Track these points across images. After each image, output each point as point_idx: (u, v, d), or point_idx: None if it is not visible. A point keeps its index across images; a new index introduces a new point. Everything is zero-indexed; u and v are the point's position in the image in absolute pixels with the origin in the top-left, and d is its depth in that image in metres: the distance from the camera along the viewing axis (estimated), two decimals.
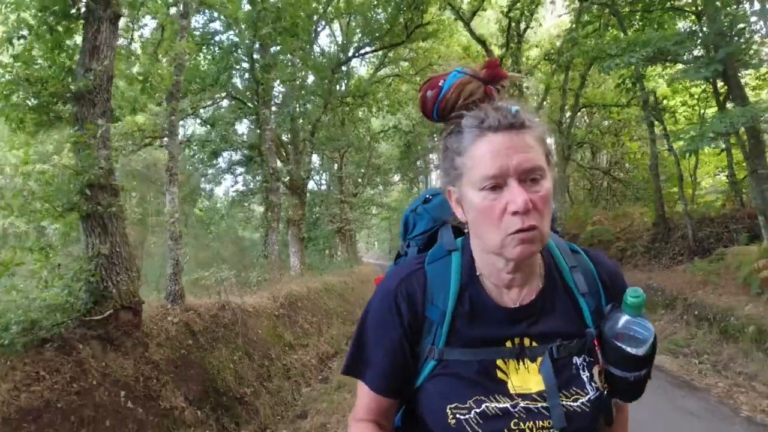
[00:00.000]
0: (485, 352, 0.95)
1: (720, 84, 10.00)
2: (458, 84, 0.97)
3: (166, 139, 6.39)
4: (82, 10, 4.14)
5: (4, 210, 3.40)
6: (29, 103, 3.94)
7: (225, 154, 12.32)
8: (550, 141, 1.06)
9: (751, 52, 8.75)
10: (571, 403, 0.91)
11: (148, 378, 3.95)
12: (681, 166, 13.14)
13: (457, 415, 0.91)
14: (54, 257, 3.79)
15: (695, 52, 9.33)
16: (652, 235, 12.20)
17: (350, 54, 13.61)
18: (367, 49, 14.15)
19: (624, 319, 0.91)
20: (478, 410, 0.91)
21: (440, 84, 0.99)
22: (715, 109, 10.64)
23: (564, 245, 1.07)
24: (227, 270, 7.77)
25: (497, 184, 0.87)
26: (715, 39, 8.65)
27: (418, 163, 28.76)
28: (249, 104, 10.15)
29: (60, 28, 4.17)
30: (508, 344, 0.95)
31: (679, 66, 9.68)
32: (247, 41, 8.34)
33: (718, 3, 9.16)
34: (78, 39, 4.41)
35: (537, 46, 18.18)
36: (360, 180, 23.69)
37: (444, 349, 0.95)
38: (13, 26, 4.16)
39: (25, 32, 4.16)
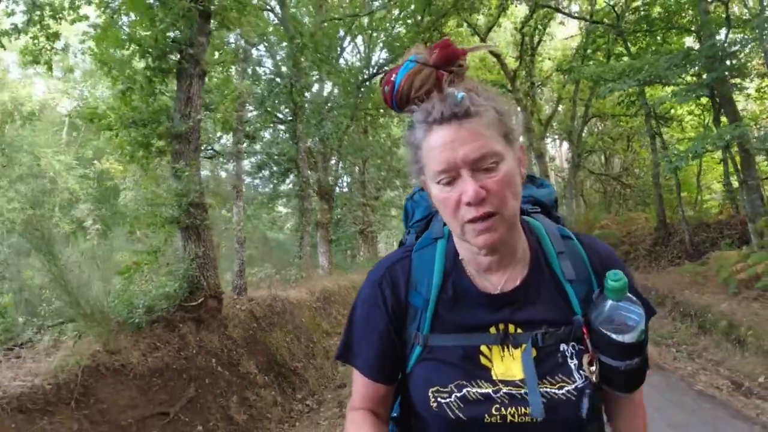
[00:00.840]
0: (469, 338, 0.96)
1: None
2: (409, 75, 0.95)
3: (233, 163, 7.71)
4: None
5: (137, 222, 4.67)
6: (140, 140, 5.20)
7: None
8: (519, 120, 1.04)
9: (745, 71, 9.75)
10: (556, 391, 0.91)
11: (230, 350, 5.20)
12: (686, 172, 14.11)
13: (439, 399, 0.93)
14: (161, 259, 5.05)
15: (687, 77, 10.36)
16: (654, 239, 13.19)
17: (373, 71, 14.80)
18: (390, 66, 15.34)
19: (609, 304, 0.90)
20: (458, 394, 0.92)
21: (392, 78, 0.98)
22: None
23: (554, 230, 1.06)
24: (270, 268, 9.04)
25: (450, 177, 0.88)
26: (707, 62, 9.66)
27: None
28: (285, 120, 11.42)
29: (156, 81, 5.43)
30: (492, 330, 0.96)
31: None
32: (285, 69, 9.55)
33: (713, 25, 10.20)
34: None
35: (549, 59, 19.14)
36: (381, 182, 24.87)
37: (429, 335, 0.97)
38: (123, 79, 5.43)
39: (126, 85, 5.43)
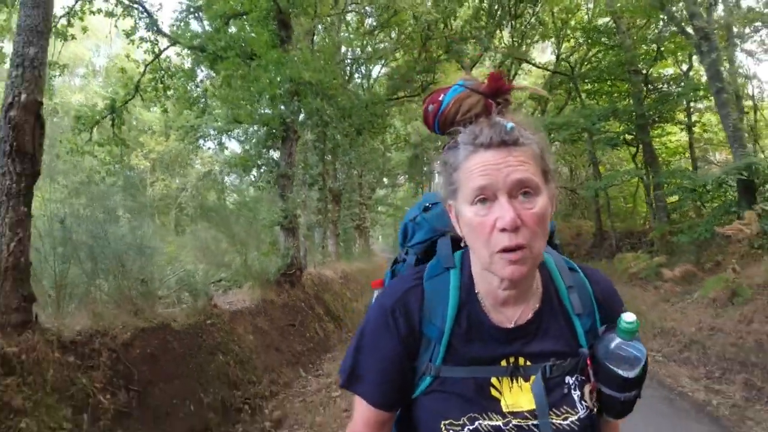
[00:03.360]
0: (480, 371, 0.98)
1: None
2: (457, 98, 0.99)
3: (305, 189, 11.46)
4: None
5: (272, 222, 8.47)
6: (270, 178, 8.98)
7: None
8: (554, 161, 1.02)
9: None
10: (561, 422, 0.95)
11: (308, 299, 9.06)
12: (626, 190, 18.33)
13: (451, 431, 0.95)
14: (275, 247, 8.87)
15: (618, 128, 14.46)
16: (592, 243, 17.31)
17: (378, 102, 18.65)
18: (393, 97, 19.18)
19: (616, 341, 0.95)
20: (471, 427, 0.95)
21: (440, 98, 1.02)
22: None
23: (562, 263, 1.10)
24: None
25: (487, 198, 0.89)
26: (630, 116, 13.74)
27: (424, 169, 33.87)
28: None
29: (269, 144, 9.20)
30: (503, 363, 0.99)
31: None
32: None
33: (643, 85, 14.29)
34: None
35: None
36: (374, 183, 28.66)
37: (441, 366, 0.99)
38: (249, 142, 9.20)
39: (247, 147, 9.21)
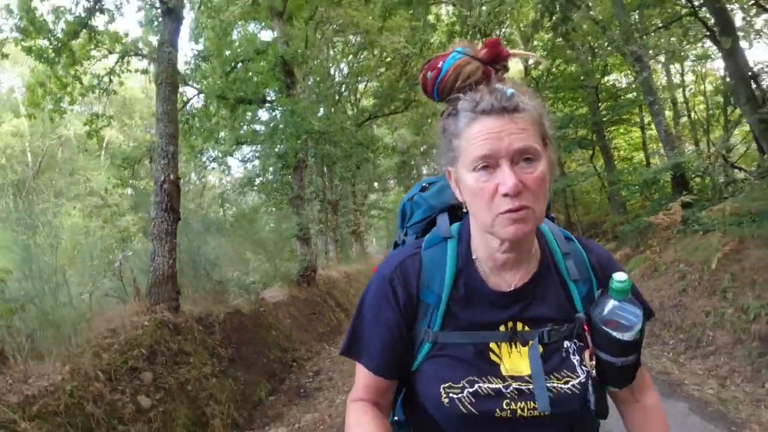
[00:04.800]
0: (479, 336, 1.01)
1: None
2: (456, 65, 0.99)
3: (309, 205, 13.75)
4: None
5: (290, 234, 10.75)
6: (285, 199, 11.29)
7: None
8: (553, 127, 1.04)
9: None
10: (562, 386, 0.98)
11: (322, 296, 11.36)
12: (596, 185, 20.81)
13: (450, 395, 0.98)
14: (294, 254, 11.18)
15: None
16: None
17: (365, 118, 20.94)
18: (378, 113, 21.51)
19: (611, 304, 0.96)
20: (470, 390, 0.98)
21: (439, 65, 1.01)
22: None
23: (558, 232, 1.13)
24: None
25: (489, 165, 0.91)
26: (587, 122, 16.13)
27: (413, 173, 36.24)
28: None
29: (284, 172, 11.50)
30: (502, 328, 1.02)
31: None
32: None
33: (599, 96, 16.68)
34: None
35: None
36: (366, 188, 30.97)
37: (439, 332, 1.02)
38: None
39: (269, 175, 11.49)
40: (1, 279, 4.53)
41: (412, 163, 33.12)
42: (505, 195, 0.89)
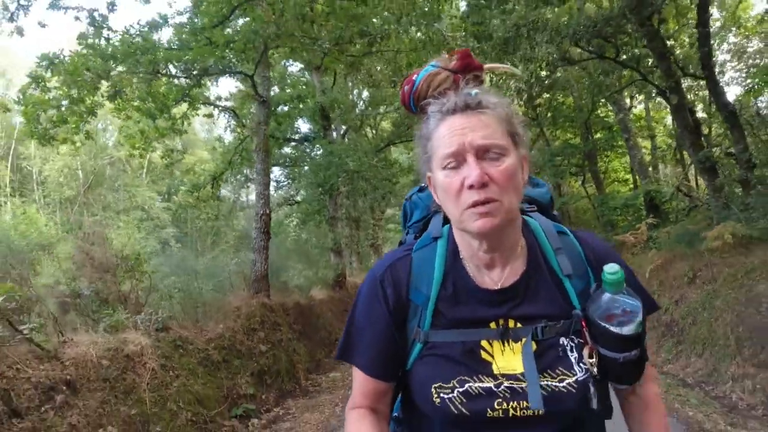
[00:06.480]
0: (469, 333, 1.02)
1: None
2: (428, 76, 1.11)
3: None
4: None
5: (327, 248, 13.65)
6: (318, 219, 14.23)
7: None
8: (526, 131, 1.06)
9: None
10: (557, 384, 0.97)
11: (351, 297, 14.14)
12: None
13: (441, 395, 0.98)
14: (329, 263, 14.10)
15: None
16: None
17: (385, 144, 23.91)
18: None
19: (606, 297, 0.95)
20: (461, 389, 0.98)
21: (413, 78, 1.13)
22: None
23: (550, 227, 1.13)
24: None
25: (457, 162, 0.96)
26: (579, 152, 18.90)
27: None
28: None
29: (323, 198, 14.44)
30: (493, 325, 1.02)
31: None
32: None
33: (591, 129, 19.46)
34: None
35: None
36: (385, 204, 33.82)
37: (429, 331, 1.04)
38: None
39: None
40: (153, 272, 7.41)
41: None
42: (471, 187, 0.93)
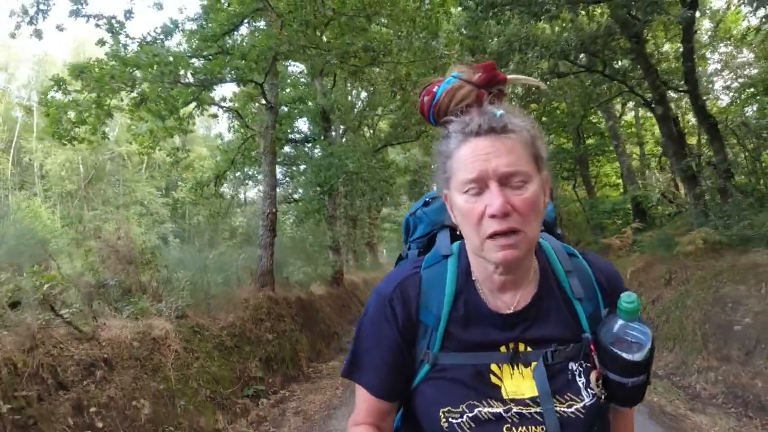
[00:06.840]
0: (479, 357, 1.00)
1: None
2: (450, 89, 1.04)
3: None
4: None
5: (325, 245, 14.25)
6: (318, 218, 14.82)
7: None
8: (546, 149, 1.03)
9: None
10: (565, 409, 0.96)
11: (348, 293, 14.85)
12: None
13: (450, 419, 0.97)
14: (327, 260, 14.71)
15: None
16: None
17: (382, 144, 24.49)
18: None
19: (619, 324, 0.96)
20: (470, 414, 0.96)
21: (434, 90, 1.06)
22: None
23: (561, 249, 1.11)
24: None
25: (479, 188, 0.93)
26: (571, 157, 19.55)
27: (423, 189, 39.61)
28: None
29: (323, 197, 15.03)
30: (503, 349, 1.00)
31: None
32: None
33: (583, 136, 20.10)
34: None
35: None
36: (380, 203, 34.39)
37: (438, 353, 1.01)
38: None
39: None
40: (165, 266, 7.96)
41: (423, 180, 36.62)
42: (493, 216, 0.90)
